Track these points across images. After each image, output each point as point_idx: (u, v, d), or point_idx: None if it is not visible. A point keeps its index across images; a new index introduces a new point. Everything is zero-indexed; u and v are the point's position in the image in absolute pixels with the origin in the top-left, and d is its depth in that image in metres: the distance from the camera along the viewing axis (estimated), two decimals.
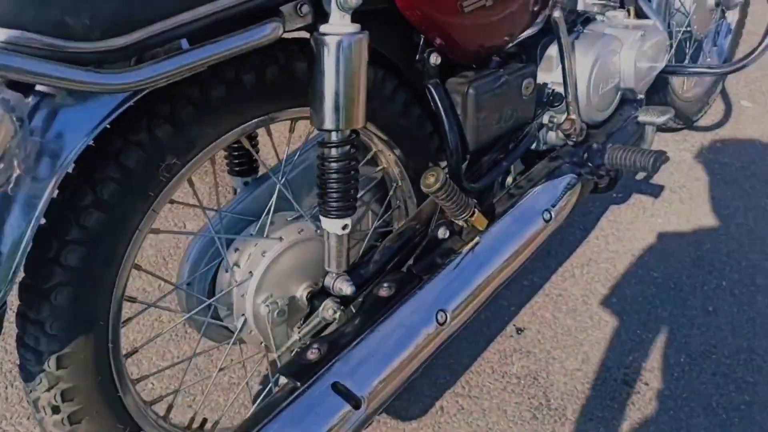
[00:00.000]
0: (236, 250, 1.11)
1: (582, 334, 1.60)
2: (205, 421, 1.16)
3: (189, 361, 1.32)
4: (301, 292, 1.12)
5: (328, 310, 1.06)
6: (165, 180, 0.89)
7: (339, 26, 0.87)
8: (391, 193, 1.33)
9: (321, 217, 0.99)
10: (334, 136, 0.94)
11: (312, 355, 0.96)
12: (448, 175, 1.06)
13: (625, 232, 1.92)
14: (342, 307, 1.07)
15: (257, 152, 1.23)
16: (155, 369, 1.38)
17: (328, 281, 1.05)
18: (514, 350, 1.56)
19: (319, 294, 1.07)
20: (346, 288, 1.03)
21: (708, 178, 2.15)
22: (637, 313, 1.65)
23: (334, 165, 0.95)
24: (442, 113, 1.09)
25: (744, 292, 1.70)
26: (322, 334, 1.03)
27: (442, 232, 1.14)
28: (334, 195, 0.97)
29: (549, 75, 1.33)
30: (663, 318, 1.63)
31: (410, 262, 1.12)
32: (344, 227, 0.99)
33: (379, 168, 1.28)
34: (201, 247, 1.12)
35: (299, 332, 1.04)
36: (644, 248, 1.86)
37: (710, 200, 2.04)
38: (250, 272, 1.07)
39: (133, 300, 1.00)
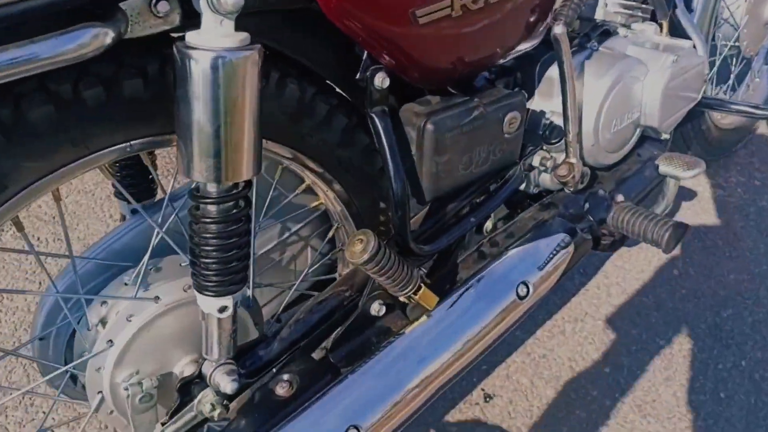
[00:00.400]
0: (103, 303, 0.85)
1: (562, 410, 1.32)
2: None
3: None
4: (182, 370, 0.86)
5: (205, 404, 0.79)
6: None
7: (213, 37, 0.59)
8: (332, 232, 1.06)
9: (195, 292, 0.72)
10: (210, 189, 0.66)
11: None
12: (382, 242, 0.78)
13: (633, 283, 1.62)
14: (225, 401, 0.80)
15: (155, 170, 0.96)
16: None
17: (206, 369, 0.78)
18: (478, 423, 1.29)
19: (196, 381, 0.80)
20: (226, 384, 0.76)
21: (740, 224, 1.83)
22: (632, 390, 1.37)
23: (211, 227, 0.68)
24: (387, 152, 0.81)
25: (765, 378, 1.41)
26: None
27: (376, 308, 0.87)
28: (213, 267, 0.69)
29: (548, 102, 1.03)
30: (663, 401, 1.35)
31: (328, 344, 0.85)
32: (222, 309, 0.72)
33: (316, 202, 1.00)
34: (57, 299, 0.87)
35: (163, 430, 0.78)
36: (653, 306, 1.56)
37: (739, 253, 1.72)
38: (110, 341, 0.81)
39: None
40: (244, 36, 0.60)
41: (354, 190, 0.93)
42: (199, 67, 0.58)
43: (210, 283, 0.70)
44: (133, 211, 0.94)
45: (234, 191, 0.67)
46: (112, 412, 0.85)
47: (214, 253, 0.69)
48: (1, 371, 1.31)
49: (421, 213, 0.93)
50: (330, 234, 1.06)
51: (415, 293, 0.84)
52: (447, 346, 0.87)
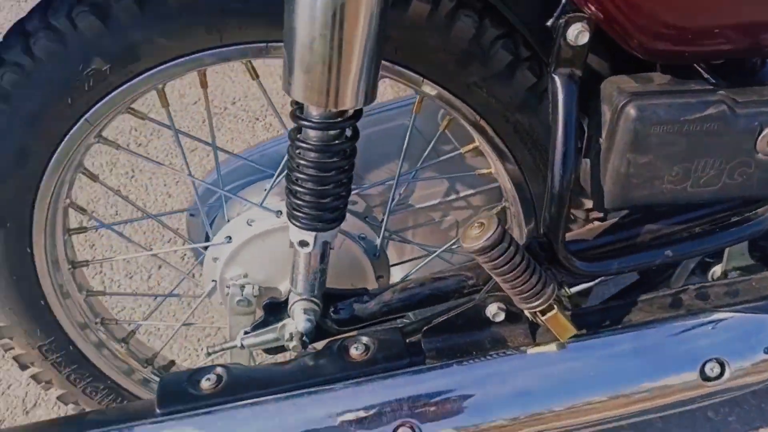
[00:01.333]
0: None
1: None
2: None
3: (163, 299, 1.15)
4: (286, 287, 0.83)
5: (286, 332, 0.75)
6: (89, 88, 0.65)
7: None
8: (496, 208, 0.89)
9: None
10: (312, 111, 0.58)
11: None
12: (511, 237, 0.61)
13: None
14: (304, 337, 0.74)
15: None
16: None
17: (291, 298, 0.73)
18: None
19: (284, 306, 0.76)
20: (299, 320, 0.71)
21: None
22: None
23: (308, 154, 0.60)
24: (560, 126, 0.61)
25: None
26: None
27: (493, 310, 0.70)
28: (301, 197, 0.62)
29: None
30: None
31: (426, 327, 0.72)
32: (303, 244, 0.65)
33: (486, 170, 0.84)
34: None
35: (242, 339, 0.76)
36: None
37: None
38: (229, 237, 0.81)
39: (83, 211, 0.83)
40: None
41: (530, 171, 0.75)
42: None
43: (296, 212, 0.63)
44: None
45: (338, 119, 0.58)
46: (221, 303, 0.87)
47: (306, 183, 0.61)
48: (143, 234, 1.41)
49: (600, 221, 0.71)
50: (495, 209, 0.90)
51: (542, 312, 0.65)
52: (567, 397, 0.67)
